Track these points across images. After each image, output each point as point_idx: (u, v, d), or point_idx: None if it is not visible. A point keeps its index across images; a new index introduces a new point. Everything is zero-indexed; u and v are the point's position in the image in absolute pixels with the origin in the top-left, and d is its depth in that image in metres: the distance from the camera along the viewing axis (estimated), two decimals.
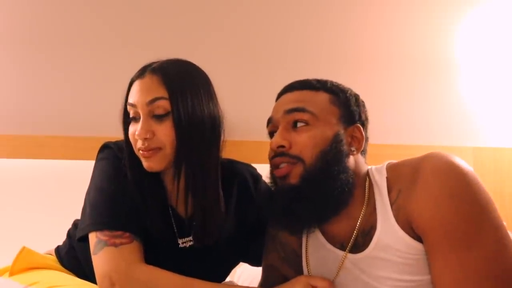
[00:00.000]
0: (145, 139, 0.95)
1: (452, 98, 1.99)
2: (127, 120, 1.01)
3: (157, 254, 0.97)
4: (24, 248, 1.05)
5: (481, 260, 0.77)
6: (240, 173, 1.14)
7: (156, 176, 1.01)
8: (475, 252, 0.77)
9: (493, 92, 2.00)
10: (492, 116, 1.99)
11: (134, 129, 0.97)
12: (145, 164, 0.97)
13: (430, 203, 0.80)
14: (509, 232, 0.80)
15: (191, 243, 1.03)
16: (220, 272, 1.12)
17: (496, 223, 0.79)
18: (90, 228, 0.94)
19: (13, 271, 1.03)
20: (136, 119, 0.98)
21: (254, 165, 1.21)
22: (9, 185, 1.67)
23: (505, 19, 2.00)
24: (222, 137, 1.03)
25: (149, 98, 0.95)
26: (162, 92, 0.95)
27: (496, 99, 2.00)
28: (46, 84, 1.82)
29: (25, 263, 1.04)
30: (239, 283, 1.35)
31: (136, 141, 0.97)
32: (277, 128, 0.94)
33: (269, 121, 0.99)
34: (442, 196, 0.79)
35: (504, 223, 0.81)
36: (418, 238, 0.83)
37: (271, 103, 1.01)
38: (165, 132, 0.95)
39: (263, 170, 0.98)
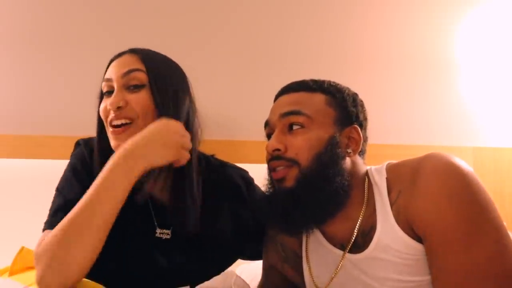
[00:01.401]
0: (118, 108, 0.91)
1: (452, 98, 1.99)
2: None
3: (131, 243, 0.96)
4: (23, 248, 1.05)
5: (481, 261, 0.77)
6: (232, 178, 1.13)
7: None
8: (475, 253, 0.77)
9: (493, 92, 2.00)
10: (492, 116, 1.99)
11: (106, 103, 0.93)
12: (113, 143, 0.92)
13: (430, 203, 0.80)
14: (509, 232, 0.80)
15: (168, 236, 1.01)
16: (208, 269, 1.09)
17: (496, 223, 0.79)
18: (44, 227, 0.95)
19: (13, 271, 1.03)
20: (110, 92, 0.94)
21: (254, 165, 1.21)
22: (9, 185, 1.66)
23: (505, 19, 2.00)
24: (199, 132, 1.01)
25: (125, 70, 0.93)
26: (139, 65, 0.94)
27: (496, 99, 2.00)
28: (46, 84, 1.82)
29: (24, 263, 1.04)
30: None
31: (107, 116, 0.93)
32: (274, 131, 0.94)
33: (266, 124, 0.98)
34: (442, 197, 0.79)
35: (504, 223, 0.81)
36: (418, 239, 0.83)
37: (271, 103, 1.01)
38: (139, 101, 0.91)
39: (264, 170, 0.97)
